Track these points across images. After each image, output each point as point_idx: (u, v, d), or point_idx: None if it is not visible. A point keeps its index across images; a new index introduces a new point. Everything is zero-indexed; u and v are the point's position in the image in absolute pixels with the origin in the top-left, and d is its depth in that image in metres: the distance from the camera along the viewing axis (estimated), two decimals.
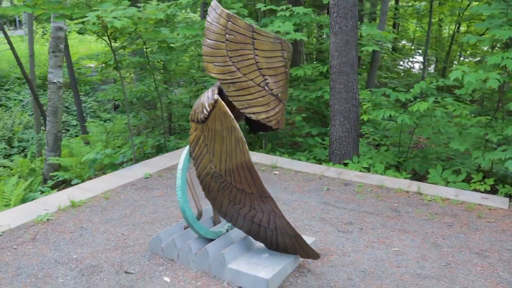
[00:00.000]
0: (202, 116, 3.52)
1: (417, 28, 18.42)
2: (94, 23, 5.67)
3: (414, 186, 5.66)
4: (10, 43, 9.07)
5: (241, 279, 3.49)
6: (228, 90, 3.39)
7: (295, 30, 7.37)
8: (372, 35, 7.54)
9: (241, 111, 3.40)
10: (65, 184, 8.55)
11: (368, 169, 6.70)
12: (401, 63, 18.75)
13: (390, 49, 16.63)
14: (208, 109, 3.47)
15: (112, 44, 7.45)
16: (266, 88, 3.35)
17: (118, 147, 9.73)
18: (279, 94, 3.38)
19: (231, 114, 3.32)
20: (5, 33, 9.41)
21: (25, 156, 10.99)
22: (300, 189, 5.60)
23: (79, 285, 3.47)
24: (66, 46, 11.11)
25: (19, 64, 9.47)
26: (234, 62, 3.34)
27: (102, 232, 4.30)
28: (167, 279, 3.58)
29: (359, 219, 4.80)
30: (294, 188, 5.61)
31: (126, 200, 5.07)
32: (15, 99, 15.88)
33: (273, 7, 7.24)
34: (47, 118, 9.44)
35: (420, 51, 18.44)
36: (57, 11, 6.13)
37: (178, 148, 8.02)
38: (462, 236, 4.49)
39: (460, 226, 4.70)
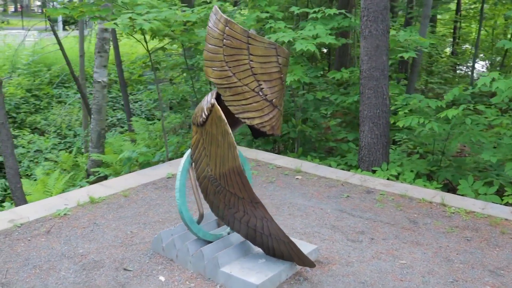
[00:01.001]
0: (201, 119, 3.56)
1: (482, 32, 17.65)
2: (125, 25, 5.85)
3: (438, 197, 5.45)
4: (59, 43, 9.53)
5: (233, 283, 3.50)
6: (224, 94, 3.41)
7: (334, 34, 7.30)
8: (411, 40, 7.31)
9: (236, 115, 3.41)
10: (105, 180, 8.89)
11: (397, 177, 6.52)
12: (462, 68, 18.03)
13: (444, 53, 16.05)
14: (206, 113, 3.51)
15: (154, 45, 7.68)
16: (261, 94, 3.34)
17: (159, 145, 9.98)
18: (273, 100, 3.37)
19: (225, 119, 3.34)
20: (55, 34, 9.90)
21: (71, 151, 11.50)
22: (319, 195, 5.53)
23: (78, 279, 3.61)
24: (117, 46, 11.54)
25: (68, 63, 9.93)
26: (230, 67, 3.36)
27: (113, 229, 4.44)
28: (162, 278, 3.65)
29: (372, 229, 4.68)
30: (313, 194, 5.54)
31: (143, 198, 5.21)
32: (74, 97, 16.68)
33: (307, 9, 7.18)
34: (92, 116, 9.84)
35: (483, 55, 17.67)
36: (93, 13, 6.38)
37: None
38: (478, 252, 4.27)
39: (479, 242, 4.47)
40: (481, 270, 3.96)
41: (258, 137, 3.82)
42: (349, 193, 5.59)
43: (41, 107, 16.16)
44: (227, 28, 3.36)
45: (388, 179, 6.40)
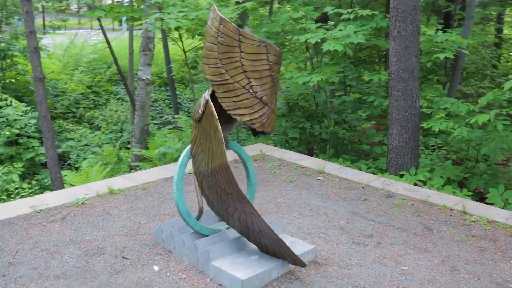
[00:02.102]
0: (197, 116, 3.64)
1: None
2: (153, 24, 6.05)
3: (461, 204, 5.23)
4: (107, 41, 9.95)
5: (222, 277, 3.55)
6: (218, 91, 3.47)
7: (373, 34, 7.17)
8: (449, 41, 7.04)
9: (228, 112, 3.46)
10: None
11: (424, 183, 6.31)
12: None
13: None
14: (202, 109, 3.59)
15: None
16: (251, 91, 3.37)
17: None
18: (263, 97, 3.38)
19: (216, 115, 3.40)
20: (104, 33, 10.34)
21: (115, 146, 11.96)
22: (336, 196, 5.46)
23: (78, 263, 3.79)
24: (166, 46, 11.91)
25: (115, 61, 10.36)
26: (223, 64, 3.41)
27: (123, 219, 4.61)
28: (156, 268, 3.76)
29: (382, 233, 4.57)
30: (330, 195, 5.48)
31: (160, 192, 5.36)
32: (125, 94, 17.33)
33: (341, 10, 7.10)
34: (136, 112, 10.21)
35: None
36: (128, 14, 6.64)
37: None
38: (490, 263, 4.07)
39: (494, 253, 4.26)
40: (487, 282, 3.78)
41: (257, 134, 3.85)
42: (368, 196, 5.48)
43: (100, 103, 16.91)
44: (221, 26, 3.41)
45: (415, 184, 6.21)
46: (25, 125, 11.49)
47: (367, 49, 10.45)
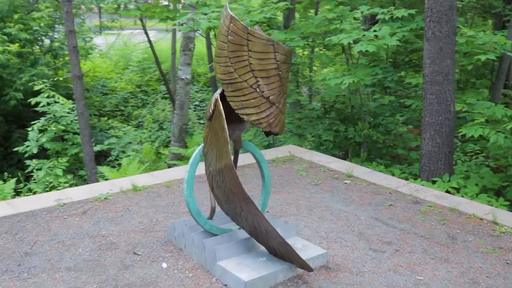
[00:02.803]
0: (208, 114, 3.64)
1: None
2: (182, 24, 6.12)
3: (492, 214, 4.96)
4: (149, 41, 10.16)
5: (227, 278, 3.53)
6: (227, 90, 3.45)
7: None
8: (491, 42, 6.70)
9: (236, 111, 3.43)
10: None
11: (458, 190, 6.04)
12: None
13: None
14: (212, 108, 3.58)
15: None
16: (258, 90, 3.33)
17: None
18: (270, 97, 3.33)
19: (223, 114, 3.38)
20: (146, 33, 10.57)
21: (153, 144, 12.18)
22: (360, 201, 5.32)
23: (90, 257, 3.87)
24: (209, 46, 12.04)
25: (156, 61, 10.55)
26: (232, 63, 3.39)
27: (141, 216, 4.67)
28: (164, 265, 3.78)
29: (402, 240, 4.40)
30: (354, 200, 5.35)
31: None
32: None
33: (376, 10, 6.92)
34: (175, 111, 10.37)
35: None
36: (162, 14, 6.75)
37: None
38: None
39: None
40: None
41: (269, 135, 3.80)
42: (394, 202, 5.30)
43: (148, 102, 17.30)
44: (231, 24, 3.39)
45: (447, 191, 5.96)
46: (71, 121, 11.92)
47: (411, 51, 10.15)
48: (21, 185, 8.48)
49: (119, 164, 11.70)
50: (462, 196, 5.75)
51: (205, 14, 6.73)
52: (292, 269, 3.67)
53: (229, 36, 3.40)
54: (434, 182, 6.21)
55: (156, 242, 4.14)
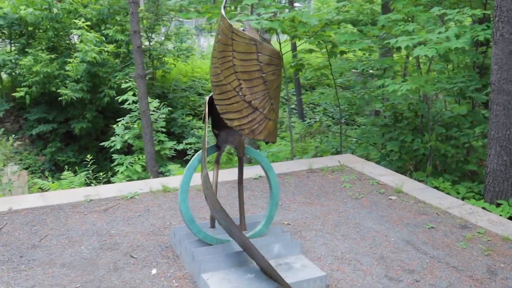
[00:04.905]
0: (203, 118, 3.48)
1: None
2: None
3: None
4: None
5: None
6: (214, 93, 3.26)
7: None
8: None
9: (221, 115, 3.22)
10: None
11: None
12: None
13: None
14: (204, 112, 3.42)
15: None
16: (240, 94, 3.09)
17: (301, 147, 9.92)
18: (252, 101, 3.07)
19: (206, 118, 3.20)
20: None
21: None
22: (398, 220, 4.80)
23: (88, 255, 3.89)
24: (294, 49, 11.85)
25: None
26: (219, 64, 3.20)
27: (157, 218, 4.62)
28: (154, 271, 3.68)
29: (427, 270, 3.87)
30: (392, 218, 4.84)
31: (218, 193, 5.27)
32: None
33: (448, 11, 6.24)
34: None
35: None
36: (219, 15, 6.69)
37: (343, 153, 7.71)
38: None
39: None
40: None
41: (267, 142, 3.54)
42: (437, 224, 4.71)
43: None
44: (221, 23, 3.20)
45: (510, 217, 5.20)
46: (156, 120, 12.39)
47: None
48: (102, 177, 8.89)
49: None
50: None
51: (259, 15, 6.57)
52: None
53: (218, 36, 3.21)
54: (498, 205, 5.45)
55: (157, 247, 4.05)
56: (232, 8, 7.18)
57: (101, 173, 8.14)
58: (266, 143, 3.39)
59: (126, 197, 5.08)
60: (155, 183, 5.45)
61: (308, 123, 13.60)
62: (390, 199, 5.37)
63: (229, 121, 3.16)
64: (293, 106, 15.85)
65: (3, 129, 11.93)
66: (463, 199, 5.80)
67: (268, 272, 3.37)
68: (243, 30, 3.20)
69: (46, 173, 12.59)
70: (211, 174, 3.80)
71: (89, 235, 4.23)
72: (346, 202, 5.24)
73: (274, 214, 4.01)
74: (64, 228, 4.35)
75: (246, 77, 3.06)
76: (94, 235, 4.24)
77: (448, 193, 5.91)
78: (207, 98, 3.35)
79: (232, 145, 3.69)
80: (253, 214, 4.40)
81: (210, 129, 3.65)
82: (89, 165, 7.23)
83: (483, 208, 5.39)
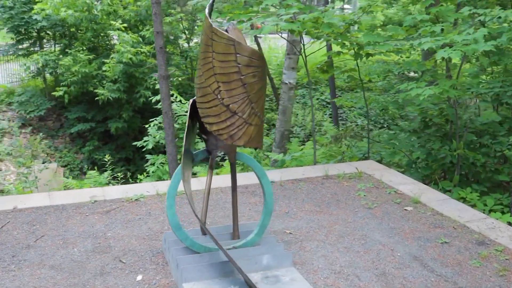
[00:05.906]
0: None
1: None
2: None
3: None
4: (258, 43, 10.08)
5: None
6: (197, 95, 3.14)
7: None
8: None
9: (202, 119, 3.09)
10: None
11: None
12: None
13: None
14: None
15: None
16: (219, 97, 2.94)
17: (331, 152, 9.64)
18: (230, 105, 2.92)
19: (188, 119, 3.09)
20: (256, 39, 10.49)
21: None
22: (409, 233, 4.51)
23: (79, 258, 3.85)
24: (329, 49, 11.59)
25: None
26: (201, 66, 3.07)
27: (156, 222, 4.55)
28: (139, 277, 3.59)
29: None
30: (403, 231, 4.55)
31: (220, 199, 5.16)
32: (318, 99, 17.45)
33: (479, 11, 5.84)
34: (278, 117, 10.15)
35: None
36: (239, 16, 6.57)
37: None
38: None
39: None
40: None
41: (256, 148, 3.38)
42: (452, 239, 4.40)
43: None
44: (204, 23, 3.07)
45: None
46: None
47: None
48: (123, 177, 8.96)
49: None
50: None
51: (279, 16, 6.39)
52: None
53: (202, 36, 3.08)
54: None
55: (149, 252, 3.97)
56: (254, 8, 7.03)
57: (128, 173, 8.25)
58: (255, 149, 3.23)
59: (131, 199, 5.04)
60: (162, 186, 5.39)
61: (342, 127, 13.29)
62: (405, 209, 5.07)
63: (208, 125, 3.02)
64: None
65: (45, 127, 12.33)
66: (490, 211, 5.41)
67: (250, 285, 3.21)
68: (226, 30, 3.06)
69: (85, 170, 12.92)
70: (204, 180, 3.68)
71: (84, 237, 4.20)
72: (357, 211, 4.99)
73: (268, 223, 3.84)
74: (62, 229, 4.34)
75: (224, 79, 2.92)
76: (90, 237, 4.20)
77: (473, 205, 5.53)
78: (190, 101, 3.22)
79: (223, 150, 3.55)
80: (249, 222, 4.25)
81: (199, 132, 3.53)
82: (107, 165, 7.27)
83: (508, 223, 5.01)
